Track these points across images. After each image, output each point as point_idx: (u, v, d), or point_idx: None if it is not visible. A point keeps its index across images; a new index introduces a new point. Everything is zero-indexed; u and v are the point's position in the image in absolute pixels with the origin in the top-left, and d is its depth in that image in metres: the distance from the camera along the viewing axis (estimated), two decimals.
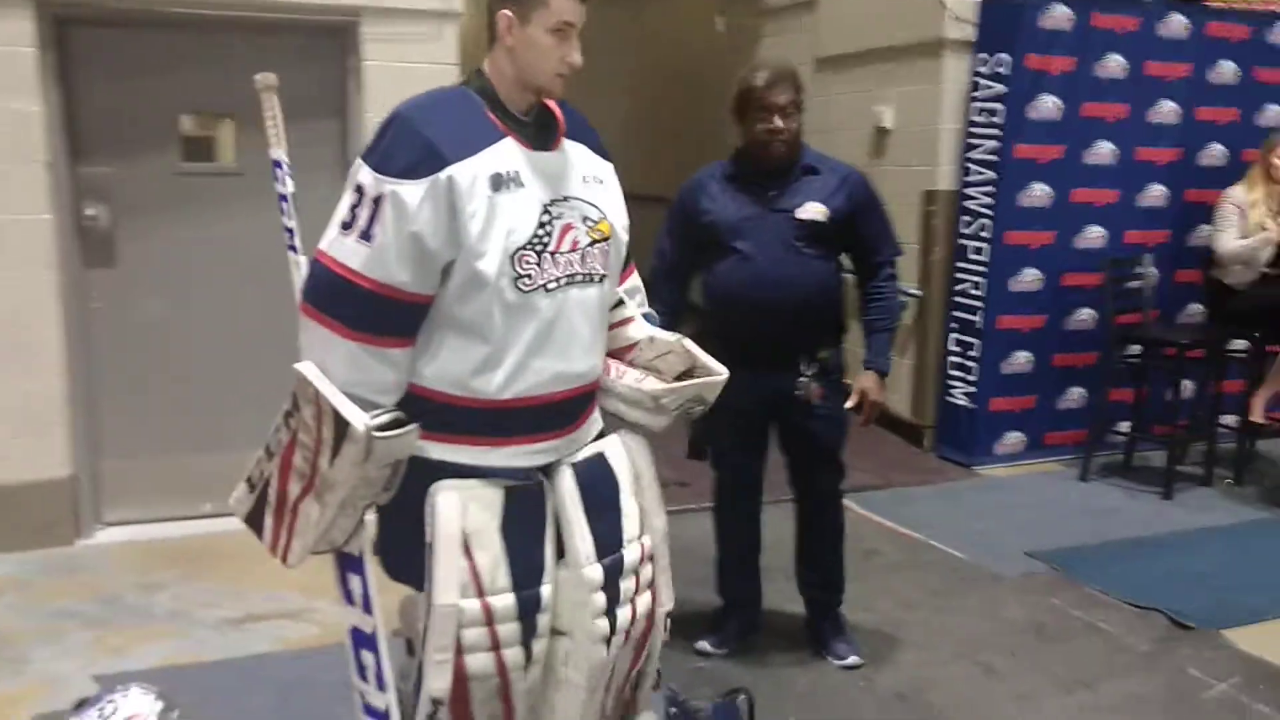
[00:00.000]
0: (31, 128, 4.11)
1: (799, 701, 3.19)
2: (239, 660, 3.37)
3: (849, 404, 3.30)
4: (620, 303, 2.30)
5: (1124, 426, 5.50)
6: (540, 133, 2.05)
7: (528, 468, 2.06)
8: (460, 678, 2.00)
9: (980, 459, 5.54)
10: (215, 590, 3.87)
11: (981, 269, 5.41)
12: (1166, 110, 5.51)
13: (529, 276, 1.96)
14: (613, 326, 2.27)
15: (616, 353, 2.27)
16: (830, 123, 6.37)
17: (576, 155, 2.11)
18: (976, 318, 5.46)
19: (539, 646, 2.06)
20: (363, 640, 2.08)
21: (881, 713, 3.16)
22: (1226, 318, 5.37)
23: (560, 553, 2.09)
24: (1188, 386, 5.64)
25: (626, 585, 2.13)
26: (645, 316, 2.34)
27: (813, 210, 3.15)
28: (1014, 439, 5.60)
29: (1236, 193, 5.22)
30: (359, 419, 1.86)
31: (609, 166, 2.20)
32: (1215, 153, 5.68)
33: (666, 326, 2.38)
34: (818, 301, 3.20)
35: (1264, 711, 3.13)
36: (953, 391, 5.63)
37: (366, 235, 1.91)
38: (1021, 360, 5.53)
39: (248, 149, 4.59)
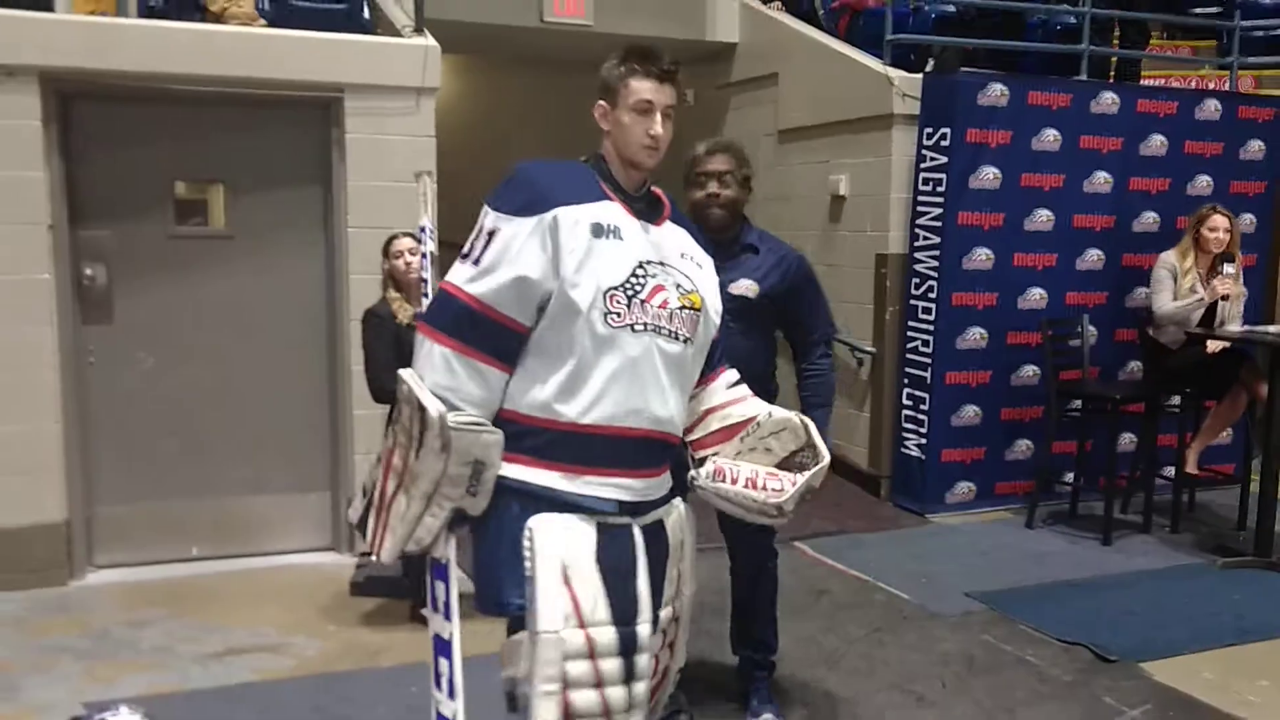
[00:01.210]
0: (34, 193, 4.43)
1: None
2: (219, 689, 3.61)
3: None
4: (739, 381, 2.48)
5: (1069, 477, 5.79)
6: (647, 209, 2.30)
7: (601, 498, 2.18)
8: (567, 716, 2.09)
9: (933, 507, 5.82)
10: (199, 627, 4.11)
11: (929, 327, 5.74)
12: (1101, 180, 5.89)
13: (618, 314, 2.14)
14: (731, 404, 2.44)
15: (733, 429, 2.40)
16: (791, 191, 6.76)
17: (678, 236, 2.35)
18: (926, 373, 5.78)
19: (639, 689, 2.16)
20: (441, 647, 2.18)
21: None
22: (1162, 375, 5.69)
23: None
24: (1128, 440, 5.97)
25: (655, 641, 2.26)
26: None
27: (744, 286, 3.22)
28: (964, 488, 5.89)
29: (1170, 258, 5.55)
30: (436, 407, 2.05)
31: (709, 260, 2.43)
32: (1148, 220, 6.05)
33: None
34: (741, 374, 3.34)
35: None
36: (906, 443, 5.93)
37: (477, 260, 2.15)
38: (970, 414, 5.84)
39: (237, 214, 4.92)
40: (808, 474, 2.34)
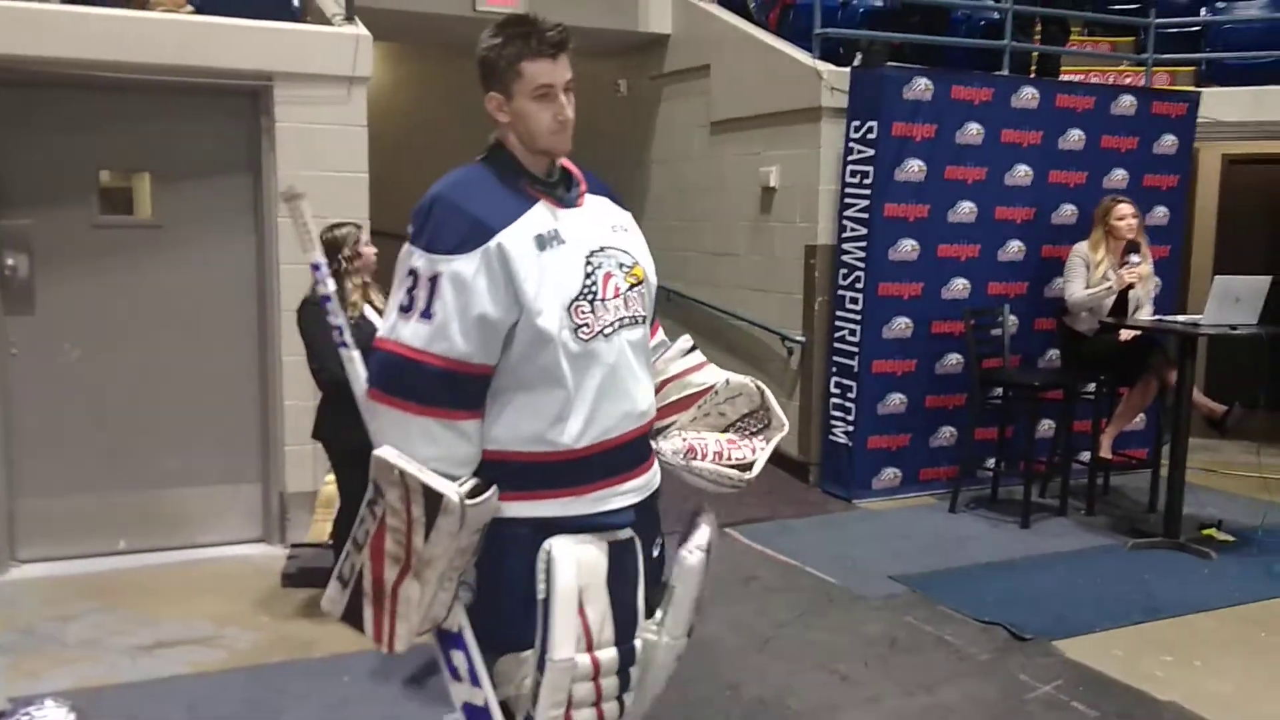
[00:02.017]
0: None
1: (669, 708, 3.50)
2: (150, 682, 3.60)
3: None
4: (694, 348, 2.44)
5: (991, 462, 5.96)
6: (566, 192, 2.15)
7: (614, 511, 2.12)
8: None
9: (860, 493, 5.96)
10: (128, 620, 4.09)
11: (857, 317, 5.86)
12: (1021, 173, 6.05)
13: (587, 325, 2.04)
14: (689, 372, 2.40)
15: (691, 398, 2.38)
16: (723, 182, 6.85)
17: (601, 208, 2.21)
18: (853, 362, 5.91)
19: (629, 700, 2.16)
20: (475, 714, 2.11)
21: (745, 717, 3.49)
22: (1078, 362, 5.88)
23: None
24: (1046, 426, 6.17)
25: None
26: None
27: None
28: (890, 474, 6.03)
29: (1082, 247, 5.74)
30: (450, 489, 1.94)
31: (629, 215, 2.29)
32: (1067, 212, 6.23)
33: None
34: None
35: (1078, 708, 3.53)
36: (834, 430, 6.06)
37: (427, 314, 1.98)
38: (896, 402, 5.98)
39: (164, 203, 4.86)
40: (772, 441, 2.37)
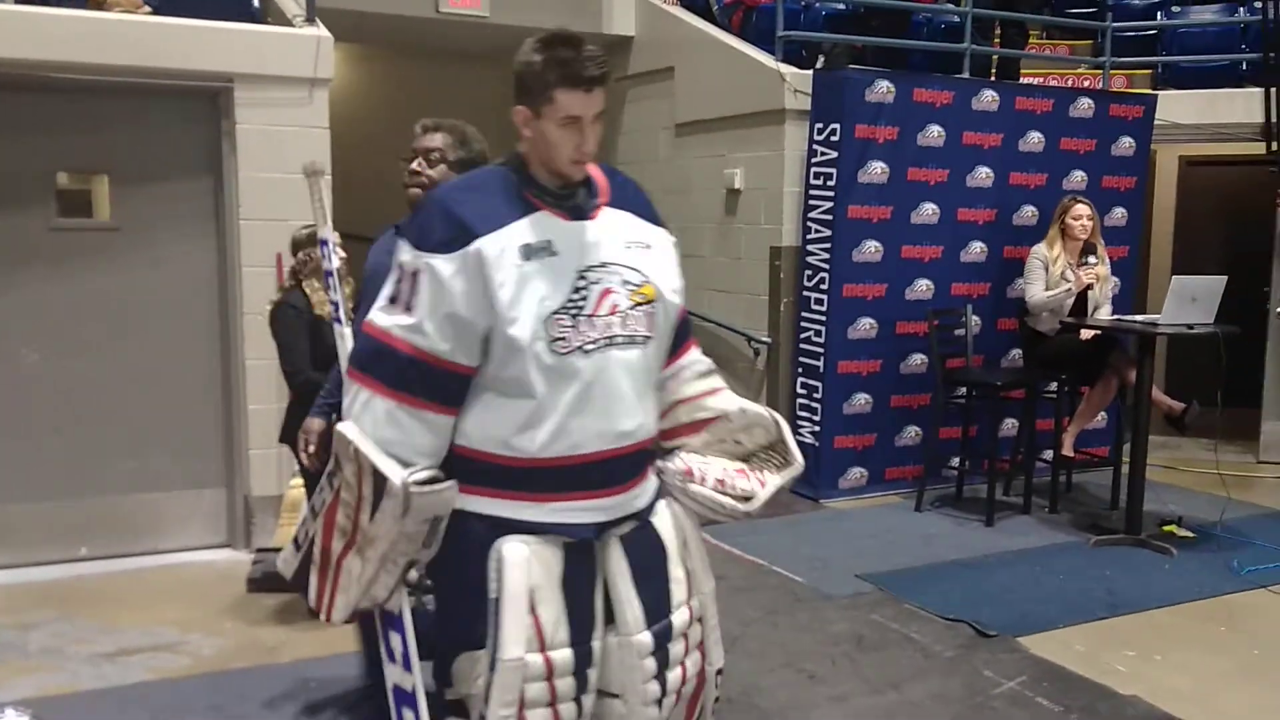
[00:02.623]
0: None
1: None
2: (112, 689, 3.56)
3: None
4: (711, 372, 2.37)
5: (955, 461, 6.01)
6: (581, 203, 2.11)
7: (574, 524, 2.09)
8: None
9: (826, 493, 5.99)
10: (90, 628, 4.03)
11: (822, 318, 5.90)
12: (983, 175, 6.12)
13: (564, 339, 2.01)
14: (702, 396, 2.34)
15: (702, 423, 2.32)
16: (688, 184, 6.86)
17: (618, 222, 2.15)
18: (819, 363, 5.95)
19: (588, 702, 2.13)
20: (403, 698, 2.13)
21: (712, 717, 3.50)
22: (1039, 361, 5.95)
23: (610, 618, 2.15)
24: (1010, 425, 6.23)
25: (676, 649, 2.20)
26: None
27: None
28: (856, 474, 6.07)
29: (1040, 249, 5.81)
30: (396, 474, 1.95)
31: (660, 232, 2.23)
32: (1028, 213, 6.30)
33: None
34: None
35: (1042, 704, 3.57)
36: (800, 430, 6.09)
37: (409, 307, 2.01)
38: (861, 402, 6.02)
39: (123, 205, 4.80)
40: (780, 478, 2.31)
